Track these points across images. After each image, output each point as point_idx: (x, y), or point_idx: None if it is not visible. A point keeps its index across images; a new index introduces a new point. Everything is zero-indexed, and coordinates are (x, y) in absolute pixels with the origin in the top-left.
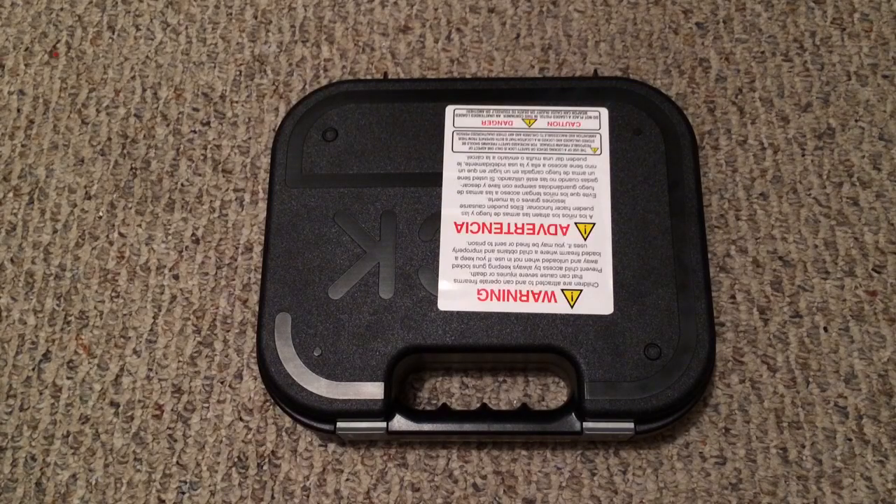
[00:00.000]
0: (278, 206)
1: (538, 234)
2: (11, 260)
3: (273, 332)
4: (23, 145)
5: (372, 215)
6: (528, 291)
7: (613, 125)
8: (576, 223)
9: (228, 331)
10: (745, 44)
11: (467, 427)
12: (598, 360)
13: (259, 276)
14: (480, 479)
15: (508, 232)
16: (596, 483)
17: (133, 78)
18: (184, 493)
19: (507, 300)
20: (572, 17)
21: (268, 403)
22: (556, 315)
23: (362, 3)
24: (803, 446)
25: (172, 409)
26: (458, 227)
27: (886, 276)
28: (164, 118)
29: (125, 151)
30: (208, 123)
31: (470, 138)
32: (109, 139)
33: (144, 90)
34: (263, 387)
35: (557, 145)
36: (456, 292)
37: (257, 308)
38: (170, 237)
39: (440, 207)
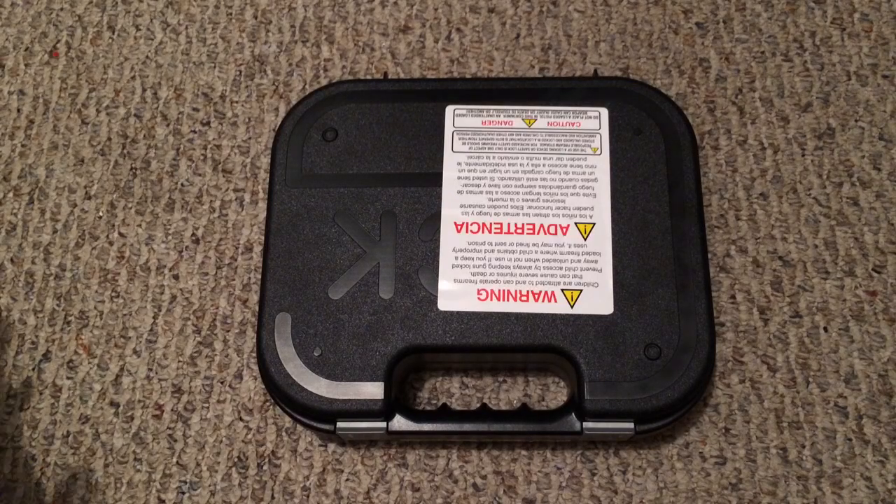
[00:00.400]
0: (278, 206)
1: (538, 234)
2: (11, 260)
3: (273, 332)
4: (23, 145)
5: (372, 215)
6: (528, 291)
7: (613, 125)
8: (576, 223)
9: (228, 331)
10: (745, 44)
11: (467, 427)
12: (598, 360)
13: (259, 276)
14: (480, 479)
15: (508, 232)
16: (596, 483)
17: (133, 78)
18: (184, 493)
19: (507, 300)
20: (572, 17)
21: (268, 403)
22: (556, 315)
23: (362, 3)
24: (803, 446)
25: (172, 409)
26: (458, 227)
27: (886, 276)
28: (164, 118)
29: (125, 151)
30: (208, 123)
31: (470, 138)
32: (109, 139)
33: (144, 90)
34: (263, 387)
35: (557, 145)
36: (456, 292)
37: (257, 308)
38: (170, 237)
39: (440, 207)
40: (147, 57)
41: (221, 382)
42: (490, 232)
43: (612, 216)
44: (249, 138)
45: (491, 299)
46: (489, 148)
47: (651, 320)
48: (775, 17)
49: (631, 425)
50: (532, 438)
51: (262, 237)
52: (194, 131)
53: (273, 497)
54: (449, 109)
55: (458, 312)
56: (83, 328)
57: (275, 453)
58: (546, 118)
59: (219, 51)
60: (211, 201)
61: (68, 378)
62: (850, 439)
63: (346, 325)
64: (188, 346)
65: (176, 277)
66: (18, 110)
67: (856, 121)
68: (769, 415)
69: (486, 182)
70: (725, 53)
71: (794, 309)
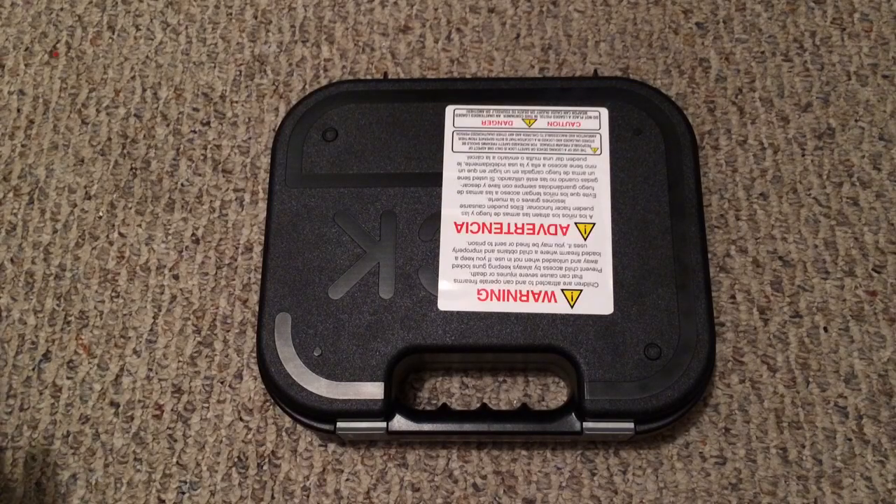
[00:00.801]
0: (278, 206)
1: (538, 234)
2: (11, 260)
3: (273, 332)
4: (23, 145)
5: (372, 215)
6: (528, 291)
7: (613, 125)
8: (576, 223)
9: (228, 331)
10: (745, 44)
11: (467, 427)
12: (598, 360)
13: (259, 276)
14: (480, 479)
15: (508, 232)
16: (596, 483)
17: (133, 78)
18: (184, 493)
19: (507, 300)
20: (572, 17)
21: (268, 403)
22: (556, 315)
23: (362, 3)
24: (803, 446)
25: (172, 409)
26: (458, 227)
27: (886, 276)
28: (164, 118)
29: (125, 151)
30: (208, 123)
31: (470, 138)
32: (109, 139)
33: (144, 90)
34: (263, 387)
35: (557, 145)
36: (456, 292)
37: (257, 308)
38: (170, 237)
39: (440, 207)
40: (147, 57)
41: (221, 382)
42: (490, 232)
43: (612, 216)
44: (249, 138)
45: (491, 299)
46: (489, 148)
47: (651, 320)
48: (775, 17)
49: (631, 425)
50: (532, 438)
51: (262, 237)
52: (194, 131)
53: (273, 497)
54: (449, 109)
55: (458, 312)
56: (83, 328)
57: (275, 453)
58: (546, 118)
59: (219, 51)
60: (211, 201)
61: (68, 378)
62: (850, 439)
63: (346, 325)
64: (188, 346)
65: (176, 277)
66: (18, 110)
67: (856, 121)
68: (769, 415)
69: (486, 182)
70: (725, 53)
71: (794, 309)
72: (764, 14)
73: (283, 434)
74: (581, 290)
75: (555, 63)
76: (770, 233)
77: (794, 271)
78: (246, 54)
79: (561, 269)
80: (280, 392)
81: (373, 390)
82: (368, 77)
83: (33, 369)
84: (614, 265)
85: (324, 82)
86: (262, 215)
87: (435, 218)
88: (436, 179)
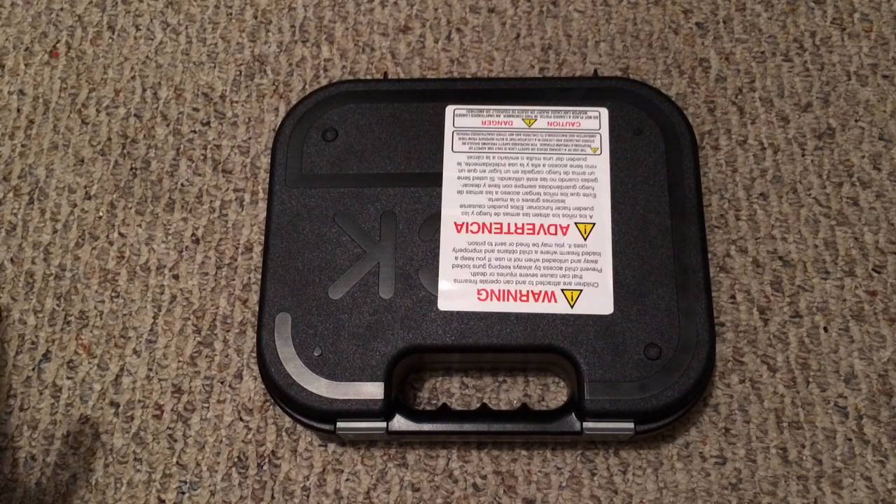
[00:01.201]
0: (278, 206)
1: (538, 234)
2: (11, 260)
3: (273, 332)
4: (23, 145)
5: (372, 215)
6: (528, 291)
7: (613, 125)
8: (576, 223)
9: (228, 331)
10: (745, 44)
11: (467, 427)
12: (598, 360)
13: (259, 276)
14: (480, 479)
15: (508, 232)
16: (596, 483)
17: (133, 78)
18: (184, 493)
19: (507, 300)
20: (572, 17)
21: (268, 403)
22: (556, 315)
23: (362, 3)
24: (803, 446)
25: (172, 409)
26: (458, 227)
27: (886, 276)
28: (164, 118)
29: (125, 151)
30: (208, 123)
31: (470, 138)
32: (109, 139)
33: (144, 90)
34: (263, 387)
35: (557, 145)
36: (456, 292)
37: (257, 308)
38: (170, 237)
39: (440, 207)
40: (147, 57)
41: (221, 382)
42: (490, 232)
43: (612, 216)
44: (249, 138)
45: (491, 299)
46: (489, 148)
47: (651, 320)
48: (775, 17)
49: (631, 425)
50: (532, 438)
51: (262, 237)
52: (194, 131)
53: (273, 497)
54: (449, 109)
55: (458, 312)
56: (83, 328)
57: (275, 453)
58: (546, 118)
59: (219, 51)
60: (211, 201)
61: (68, 378)
62: (850, 439)
63: (346, 325)
64: (188, 346)
65: (176, 277)
66: (18, 110)
67: (856, 121)
68: (769, 415)
69: (486, 182)
70: (725, 53)
71: (794, 309)
72: (764, 14)
73: (283, 434)
74: (581, 290)
75: (555, 63)
76: (770, 233)
77: (794, 271)
78: (246, 54)
79: (561, 269)
80: (280, 392)
81: (373, 390)
82: (368, 77)
83: (33, 369)
84: (614, 265)
85: (324, 82)
86: (262, 215)
87: (435, 218)
88: (436, 179)
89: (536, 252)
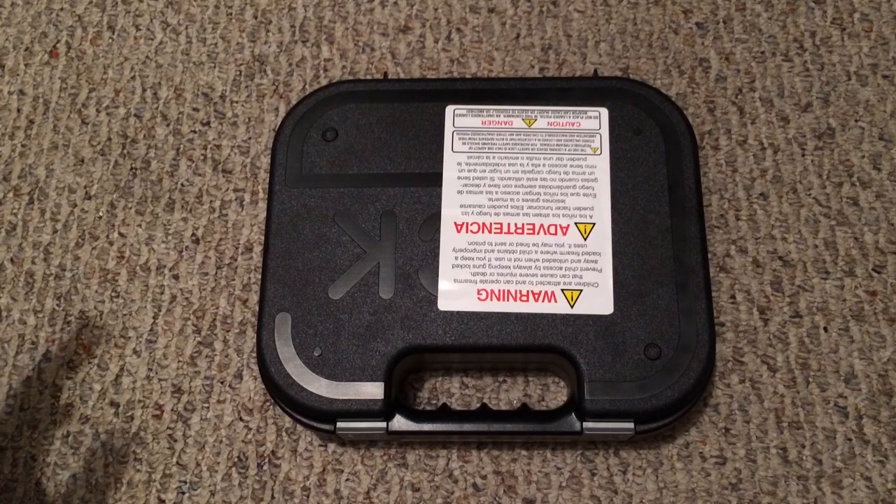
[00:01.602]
0: (278, 206)
1: (538, 234)
2: (11, 260)
3: (273, 332)
4: (23, 145)
5: (372, 215)
6: (528, 291)
7: (613, 125)
8: (576, 223)
9: (228, 331)
10: (745, 44)
11: (467, 427)
12: (598, 360)
13: (259, 276)
14: (480, 479)
15: (508, 232)
16: (596, 483)
17: (133, 78)
18: (184, 493)
19: (507, 300)
20: (572, 17)
21: (268, 403)
22: (556, 315)
23: (362, 3)
24: (803, 446)
25: (172, 409)
26: (458, 227)
27: (886, 276)
28: (164, 118)
29: (125, 151)
30: (208, 123)
31: (470, 138)
32: (109, 139)
33: (144, 90)
34: (263, 387)
35: (557, 145)
36: (456, 292)
37: (257, 308)
38: (170, 237)
39: (440, 207)
40: (147, 57)
41: (221, 382)
42: (490, 232)
43: (612, 216)
44: (249, 138)
45: (491, 299)
46: (489, 148)
47: (651, 320)
48: (775, 17)
49: (631, 425)
50: (532, 438)
51: (262, 237)
52: (194, 131)
53: (273, 497)
54: (449, 109)
55: (458, 312)
56: (83, 328)
57: (275, 453)
58: (546, 118)
59: (219, 51)
60: (211, 201)
61: (68, 378)
62: (850, 439)
63: (346, 325)
64: (188, 346)
65: (176, 277)
66: (18, 110)
67: (856, 121)
68: (769, 415)
69: (486, 182)
70: (725, 53)
71: (794, 309)
72: (764, 14)
73: (283, 434)
74: (581, 290)
75: (555, 63)
76: (770, 233)
77: (794, 271)
78: (246, 54)
79: (561, 269)
80: (280, 392)
81: (373, 390)
82: (368, 77)
83: (33, 369)
84: (614, 265)
85: (324, 82)
86: (262, 215)
87: (435, 218)
88: (436, 179)
89: (536, 252)
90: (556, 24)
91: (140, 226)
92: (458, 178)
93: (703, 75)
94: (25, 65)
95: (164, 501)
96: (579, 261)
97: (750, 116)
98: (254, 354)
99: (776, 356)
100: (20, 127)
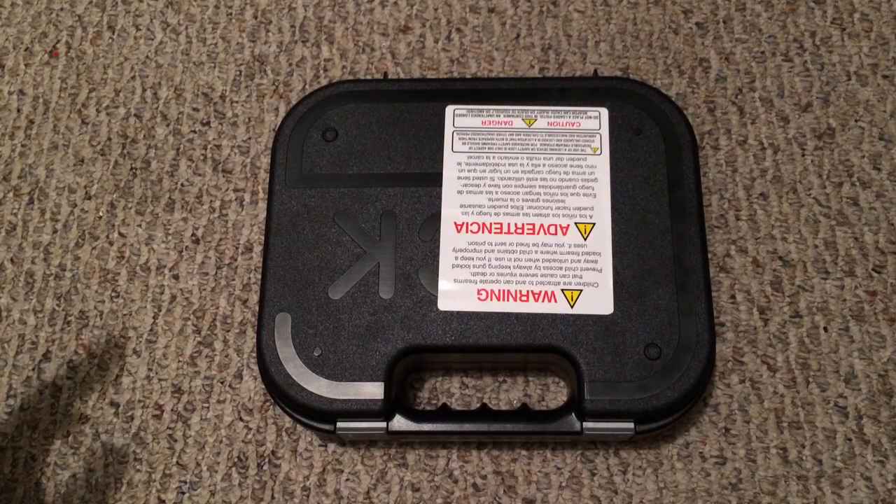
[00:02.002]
0: (278, 206)
1: (538, 234)
2: (11, 260)
3: (273, 332)
4: (23, 145)
5: (372, 215)
6: (528, 291)
7: (613, 125)
8: (576, 223)
9: (228, 331)
10: (745, 44)
11: (467, 427)
12: (598, 360)
13: (259, 276)
14: (480, 479)
15: (508, 232)
16: (596, 483)
17: (133, 78)
18: (184, 493)
19: (507, 300)
20: (572, 17)
21: (268, 403)
22: (556, 315)
23: (362, 3)
24: (803, 446)
25: (172, 409)
26: (458, 227)
27: (886, 276)
28: (164, 118)
29: (125, 151)
30: (208, 123)
31: (470, 138)
32: (109, 139)
33: (144, 90)
34: (263, 387)
35: (557, 145)
36: (456, 292)
37: (257, 308)
38: (170, 237)
39: (440, 207)
40: (147, 57)
41: (221, 382)
42: (490, 232)
43: (612, 216)
44: (249, 138)
45: (491, 299)
46: (489, 148)
47: (651, 320)
48: (775, 17)
49: (631, 425)
50: (532, 438)
51: (262, 237)
52: (194, 131)
53: (273, 497)
54: (449, 109)
55: (458, 312)
56: (83, 328)
57: (275, 453)
58: (546, 118)
59: (219, 51)
60: (211, 201)
61: (68, 378)
62: (850, 439)
63: (346, 325)
64: (188, 346)
65: (176, 277)
66: (18, 110)
67: (856, 121)
68: (769, 415)
69: (486, 182)
70: (725, 53)
71: (794, 309)
72: (764, 14)
73: (283, 434)
74: (581, 290)
75: (555, 63)
76: (770, 233)
77: (794, 271)
78: (246, 54)
79: (561, 269)
80: (280, 392)
81: (373, 390)
82: (368, 77)
83: (33, 369)
84: (614, 265)
85: (324, 82)
86: (262, 215)
87: (435, 218)
88: (436, 179)
89: (536, 252)
90: (556, 24)
91: (140, 226)
92: (458, 178)
93: (703, 75)
94: (25, 65)
95: (164, 501)
96: (579, 261)
97: (750, 116)
98: (254, 354)
99: (776, 356)
100: (20, 127)
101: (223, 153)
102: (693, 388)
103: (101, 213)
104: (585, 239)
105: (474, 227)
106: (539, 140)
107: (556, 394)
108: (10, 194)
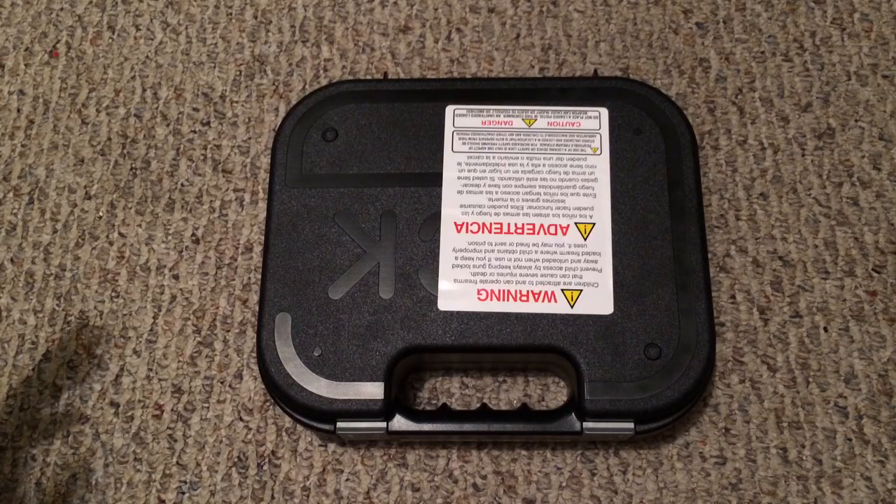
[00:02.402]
0: (278, 206)
1: (538, 234)
2: (11, 260)
3: (273, 332)
4: (23, 145)
5: (372, 215)
6: (528, 291)
7: (613, 125)
8: (576, 223)
9: (228, 331)
10: (745, 44)
11: (467, 427)
12: (598, 360)
13: (259, 276)
14: (480, 479)
15: (508, 232)
16: (596, 483)
17: (133, 78)
18: (184, 493)
19: (507, 300)
20: (572, 17)
21: (268, 403)
22: (556, 315)
23: (362, 3)
24: (803, 446)
25: (172, 409)
26: (458, 227)
27: (886, 276)
28: (164, 118)
29: (125, 151)
30: (208, 123)
31: (470, 138)
32: (109, 139)
33: (144, 90)
34: (263, 387)
35: (557, 145)
36: (456, 292)
37: (257, 308)
38: (170, 237)
39: (440, 207)
40: (147, 57)
41: (221, 382)
42: (490, 232)
43: (612, 216)
44: (249, 138)
45: (491, 299)
46: (489, 148)
47: (651, 320)
48: (775, 17)
49: (631, 425)
50: (532, 438)
51: (262, 237)
52: (194, 131)
53: (273, 497)
54: (449, 109)
55: (458, 312)
56: (83, 328)
57: (275, 453)
58: (546, 118)
59: (219, 51)
60: (211, 201)
61: (68, 378)
62: (850, 439)
63: (346, 325)
64: (188, 346)
65: (176, 277)
66: (18, 110)
67: (856, 121)
68: (769, 415)
69: (486, 182)
70: (725, 53)
71: (794, 309)
72: (764, 14)
73: (283, 434)
74: (581, 290)
75: (555, 63)
76: (770, 233)
77: (794, 271)
78: (246, 54)
79: (561, 269)
80: (280, 392)
81: (373, 390)
82: (368, 77)
83: (33, 369)
84: (614, 265)
85: (324, 82)
86: (262, 215)
87: (435, 218)
88: (436, 179)
89: (536, 252)
90: (556, 24)
91: (140, 226)
92: (458, 178)
93: (703, 75)
94: (25, 65)
95: (164, 501)
96: (579, 261)
97: (750, 116)
98: (254, 354)
99: (776, 356)
100: (20, 127)
101: (223, 153)
102: (693, 388)
103: (101, 213)
104: (585, 239)
105: (474, 227)
106: (539, 140)
107: (556, 394)
108: (10, 194)
